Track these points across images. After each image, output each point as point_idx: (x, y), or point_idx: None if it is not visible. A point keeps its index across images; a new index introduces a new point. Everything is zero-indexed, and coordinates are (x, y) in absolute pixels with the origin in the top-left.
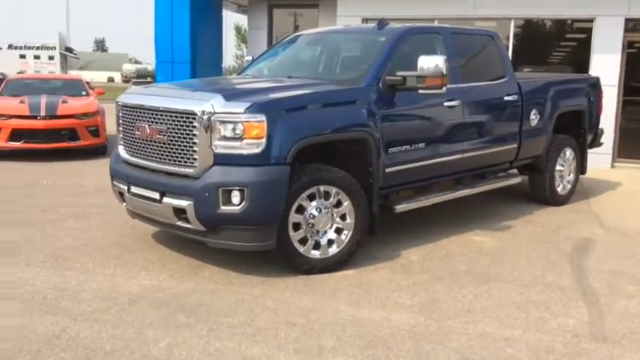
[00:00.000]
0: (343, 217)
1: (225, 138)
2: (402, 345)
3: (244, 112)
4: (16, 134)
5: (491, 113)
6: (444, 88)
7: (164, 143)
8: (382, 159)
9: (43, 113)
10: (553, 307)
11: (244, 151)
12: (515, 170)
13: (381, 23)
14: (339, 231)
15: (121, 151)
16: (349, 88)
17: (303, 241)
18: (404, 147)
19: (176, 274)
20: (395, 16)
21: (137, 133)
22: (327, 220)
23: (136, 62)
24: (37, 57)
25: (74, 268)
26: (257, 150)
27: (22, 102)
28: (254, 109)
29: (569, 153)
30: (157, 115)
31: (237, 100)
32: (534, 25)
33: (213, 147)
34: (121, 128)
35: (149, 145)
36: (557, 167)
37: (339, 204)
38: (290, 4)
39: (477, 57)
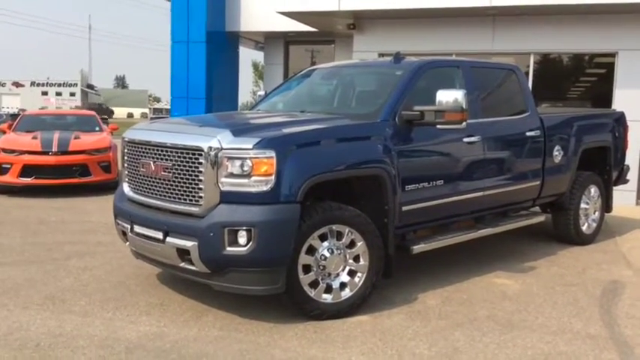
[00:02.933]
0: (357, 259)
1: (232, 175)
2: None
3: (253, 148)
4: (27, 170)
5: (512, 149)
6: (464, 124)
7: (169, 180)
8: (399, 197)
9: (55, 149)
10: (583, 358)
11: (252, 189)
12: (538, 208)
13: (398, 57)
14: (352, 273)
15: (126, 188)
16: (364, 123)
17: (313, 284)
18: (421, 184)
19: (179, 318)
20: (412, 51)
21: (142, 169)
22: (339, 261)
23: (155, 99)
24: (58, 94)
25: (72, 311)
26: (266, 187)
27: (34, 137)
28: (263, 144)
29: (594, 190)
30: (162, 151)
31: (245, 136)
32: (553, 60)
33: (219, 184)
34: (126, 165)
35: (154, 182)
36: (582, 205)
37: (352, 244)
38: (306, 40)
39: (497, 91)
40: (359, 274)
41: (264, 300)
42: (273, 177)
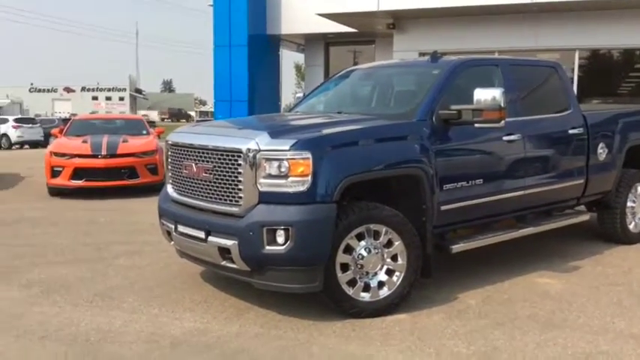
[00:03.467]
0: (394, 258)
1: (270, 176)
2: None
3: (289, 150)
4: (77, 173)
5: (554, 147)
6: (503, 122)
7: (210, 181)
8: (436, 196)
9: (104, 152)
10: (625, 358)
11: (289, 189)
12: (583, 207)
13: (435, 56)
14: (390, 272)
15: (170, 189)
16: (400, 123)
17: (351, 282)
18: (460, 183)
19: (221, 315)
20: (454, 49)
21: (185, 171)
22: (377, 260)
23: (201, 102)
24: (108, 98)
25: (120, 308)
26: (302, 188)
27: (84, 141)
28: (299, 146)
29: None
30: (203, 153)
31: (282, 138)
32: (602, 56)
33: (258, 185)
34: (169, 167)
35: (196, 183)
36: (629, 204)
37: (389, 244)
38: (347, 40)
39: (538, 89)
40: (397, 273)
41: (303, 298)
42: (309, 177)
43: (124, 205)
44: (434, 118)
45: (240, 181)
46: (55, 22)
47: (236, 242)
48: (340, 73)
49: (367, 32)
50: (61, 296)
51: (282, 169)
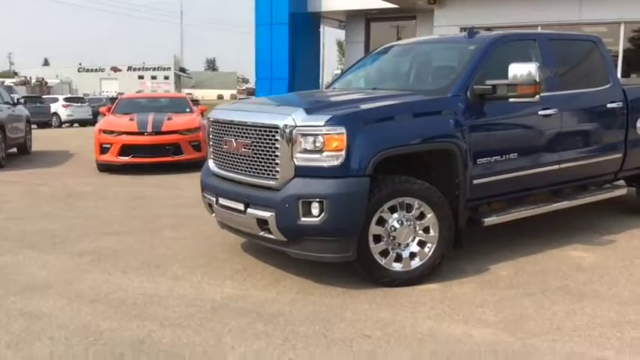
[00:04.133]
0: (426, 230)
1: (305, 151)
2: None
3: (324, 125)
4: (125, 149)
5: (591, 122)
6: (538, 97)
7: (249, 156)
8: (469, 170)
9: (149, 130)
10: None
11: (324, 164)
12: (622, 182)
13: (472, 31)
14: (422, 244)
15: (211, 164)
16: (434, 98)
17: (384, 253)
18: (494, 158)
19: (259, 283)
20: (494, 24)
21: (225, 146)
22: (409, 232)
23: (244, 80)
24: (153, 77)
25: (165, 275)
26: (336, 162)
27: (131, 119)
28: (334, 121)
29: None
30: (242, 129)
31: (317, 114)
32: None
33: (294, 159)
34: (210, 142)
35: (235, 158)
36: None
37: (422, 216)
38: (387, 16)
39: (577, 63)
40: (429, 245)
41: (337, 267)
42: (343, 152)
43: (168, 181)
44: (469, 94)
45: (277, 156)
46: (102, 2)
47: (273, 214)
48: (377, 50)
49: (408, 8)
50: (110, 264)
51: (317, 144)
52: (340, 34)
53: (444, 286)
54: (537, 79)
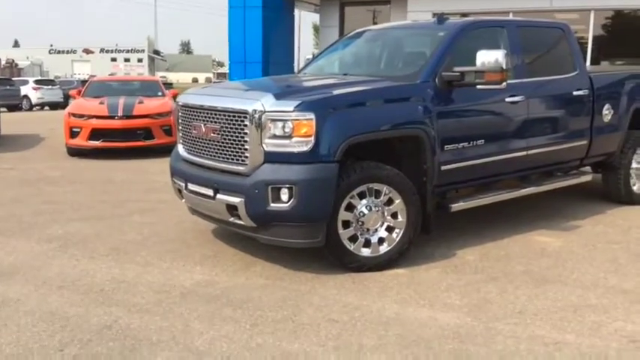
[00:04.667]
0: (394, 216)
1: (275, 136)
2: (444, 345)
3: (293, 111)
4: (95, 133)
5: (558, 109)
6: (504, 84)
7: (218, 141)
8: (437, 156)
9: (120, 113)
10: (612, 311)
11: (293, 149)
12: (588, 168)
13: (441, 18)
14: (390, 229)
15: (180, 149)
16: (403, 84)
17: (353, 238)
18: (461, 144)
19: (229, 268)
20: (467, 10)
21: (194, 131)
22: (377, 218)
23: (219, 64)
24: (127, 60)
25: (133, 261)
26: (305, 148)
27: (101, 103)
28: (303, 107)
29: None
30: (211, 114)
31: (287, 99)
32: (618, 16)
33: (263, 145)
34: (180, 127)
35: (205, 143)
36: (634, 165)
37: (390, 202)
38: (362, 1)
39: (545, 51)
40: (397, 230)
41: (307, 253)
42: (312, 138)
43: (140, 165)
44: (437, 80)
45: (246, 141)
46: None
47: (243, 200)
48: (349, 35)
49: None
50: (78, 250)
51: (287, 130)
52: (316, 18)
53: (412, 271)
54: (504, 67)
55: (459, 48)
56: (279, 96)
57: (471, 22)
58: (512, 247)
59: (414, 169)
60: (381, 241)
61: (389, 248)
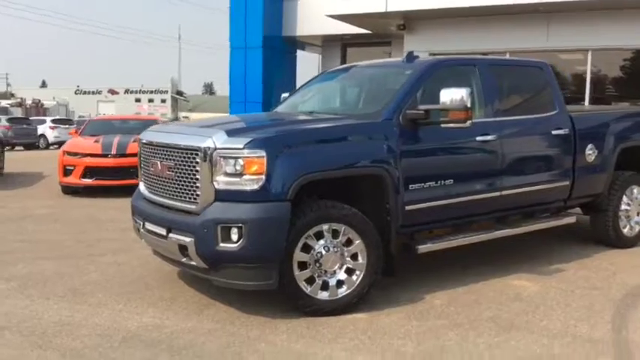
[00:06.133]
0: (354, 257)
1: (226, 174)
2: None
3: (244, 148)
4: (88, 171)
5: (534, 148)
6: (469, 122)
7: (172, 179)
8: (401, 196)
9: (114, 152)
10: None
11: (244, 187)
12: (578, 209)
13: (410, 56)
14: (350, 271)
15: (141, 187)
16: (363, 122)
17: (309, 280)
18: (428, 184)
19: (183, 311)
20: (464, 50)
21: (151, 169)
22: (335, 259)
23: None
24: (150, 100)
25: (87, 302)
26: (256, 186)
27: (96, 141)
28: (254, 144)
29: (637, 191)
30: (166, 151)
31: (238, 136)
32: (619, 55)
33: (214, 183)
34: (141, 165)
35: (160, 181)
36: (623, 206)
37: (349, 242)
38: (362, 42)
39: (521, 89)
40: (357, 272)
41: (266, 296)
42: (263, 176)
43: (128, 204)
44: (401, 118)
45: (197, 179)
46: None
47: (193, 239)
48: (323, 73)
49: (382, 33)
50: (36, 290)
51: (237, 168)
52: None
53: (372, 315)
54: (468, 105)
55: (427, 86)
56: (230, 133)
57: (440, 61)
58: (484, 291)
59: (377, 208)
60: (340, 283)
61: (348, 291)
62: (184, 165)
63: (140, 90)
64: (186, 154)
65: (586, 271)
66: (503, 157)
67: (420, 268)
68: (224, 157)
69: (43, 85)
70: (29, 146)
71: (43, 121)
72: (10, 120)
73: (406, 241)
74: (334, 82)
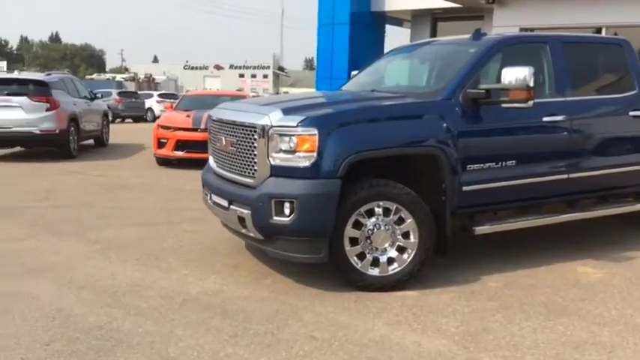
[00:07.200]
0: (406, 235)
1: (281, 150)
2: None
3: (297, 126)
4: (180, 145)
5: (608, 130)
6: (531, 102)
7: (234, 154)
8: (458, 176)
9: (202, 126)
10: (619, 350)
11: (297, 164)
12: None
13: (478, 33)
14: (401, 249)
15: (211, 160)
16: (419, 101)
17: (361, 256)
18: (487, 165)
19: (241, 279)
20: (555, 25)
21: (218, 144)
22: (386, 237)
23: None
24: (253, 76)
25: (158, 267)
26: (308, 163)
27: (188, 116)
28: (307, 122)
29: None
30: (230, 127)
31: (293, 114)
32: None
33: (270, 159)
34: (210, 140)
35: (225, 155)
36: None
37: (401, 221)
38: (455, 16)
39: (597, 68)
40: (408, 251)
41: (322, 268)
42: (315, 153)
43: None
44: (461, 98)
45: (255, 155)
46: (212, 5)
47: (249, 212)
48: (391, 51)
49: (473, 7)
50: (115, 253)
51: (291, 145)
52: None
53: (423, 293)
54: (531, 84)
55: (491, 65)
56: (287, 111)
57: (506, 38)
58: (544, 275)
59: (434, 188)
60: (390, 261)
61: (399, 269)
62: (244, 141)
63: (244, 66)
64: (246, 130)
65: None
66: (573, 138)
67: (485, 249)
68: (279, 135)
69: (155, 60)
70: (137, 119)
71: (151, 95)
72: (120, 94)
73: (465, 222)
74: (401, 60)
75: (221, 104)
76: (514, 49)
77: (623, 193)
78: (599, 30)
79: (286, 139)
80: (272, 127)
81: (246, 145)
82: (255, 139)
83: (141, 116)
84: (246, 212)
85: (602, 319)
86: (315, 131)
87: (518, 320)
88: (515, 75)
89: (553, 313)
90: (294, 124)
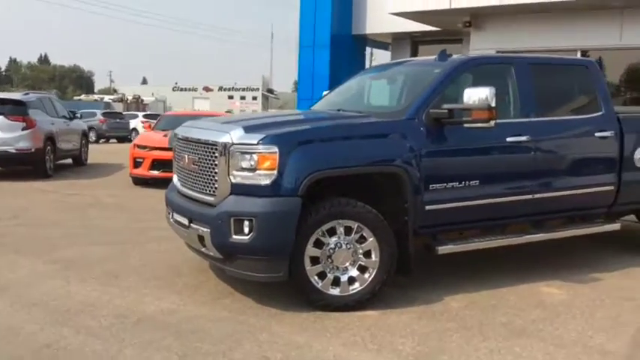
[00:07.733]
0: (367, 254)
1: (241, 168)
2: None
3: (257, 144)
4: (156, 164)
5: (573, 151)
6: (492, 122)
7: (195, 172)
8: (421, 196)
9: None
10: None
11: (257, 182)
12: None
13: (443, 54)
14: (362, 268)
15: (175, 179)
16: (382, 121)
17: (321, 275)
18: (450, 184)
19: (201, 299)
20: (531, 48)
21: (181, 162)
22: (347, 256)
23: None
24: (242, 97)
25: (118, 286)
26: (268, 181)
27: (165, 135)
28: (267, 140)
29: None
30: (193, 145)
31: (254, 132)
32: None
33: (231, 177)
34: (174, 158)
35: (187, 173)
36: None
37: (363, 240)
38: (433, 39)
39: (563, 89)
40: (370, 270)
41: (286, 289)
42: (275, 171)
43: None
44: (424, 118)
45: (216, 173)
46: (203, 29)
47: (209, 230)
48: (360, 72)
49: (451, 30)
50: (76, 272)
51: (252, 162)
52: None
53: (383, 313)
54: (492, 104)
55: (456, 85)
56: (248, 129)
57: (470, 59)
58: (507, 296)
59: (396, 207)
60: (351, 280)
61: (360, 288)
62: (206, 159)
63: (233, 87)
64: (208, 148)
65: (628, 281)
66: (538, 159)
67: (451, 269)
68: (240, 152)
69: (144, 81)
70: (122, 139)
71: (136, 116)
72: (105, 114)
73: (428, 241)
74: (371, 80)
75: (187, 122)
76: (479, 70)
77: (590, 214)
78: (574, 53)
79: (247, 156)
80: (233, 144)
81: (208, 163)
82: (216, 157)
83: (125, 136)
84: (205, 231)
85: (561, 341)
86: (275, 149)
87: (476, 341)
88: (477, 95)
89: (512, 334)
90: (255, 142)
